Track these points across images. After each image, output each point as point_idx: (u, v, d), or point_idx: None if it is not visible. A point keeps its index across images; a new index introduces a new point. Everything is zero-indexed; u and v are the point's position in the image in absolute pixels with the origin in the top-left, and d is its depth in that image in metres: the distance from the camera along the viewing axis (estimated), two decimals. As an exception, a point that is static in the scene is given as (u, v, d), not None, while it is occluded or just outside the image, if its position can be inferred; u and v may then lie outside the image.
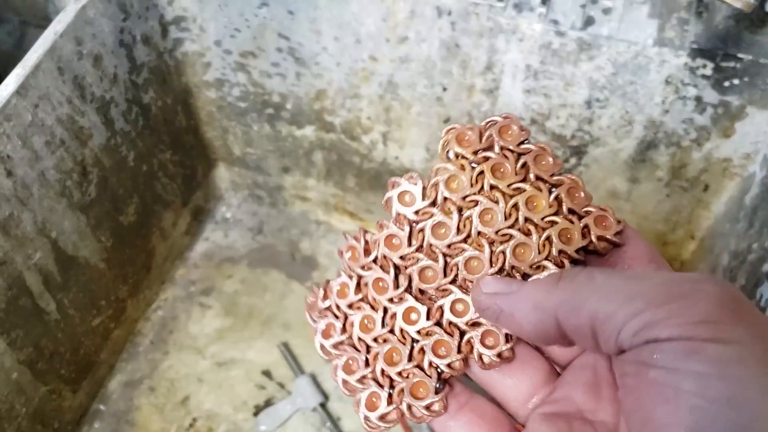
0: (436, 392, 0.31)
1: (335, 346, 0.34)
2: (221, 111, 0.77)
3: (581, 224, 0.30)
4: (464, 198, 0.32)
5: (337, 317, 0.34)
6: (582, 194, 0.31)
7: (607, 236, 0.30)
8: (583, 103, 0.58)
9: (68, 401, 0.68)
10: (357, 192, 0.82)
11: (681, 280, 0.23)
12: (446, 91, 0.62)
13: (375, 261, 0.33)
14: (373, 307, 0.33)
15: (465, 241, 0.31)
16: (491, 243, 0.31)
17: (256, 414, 0.73)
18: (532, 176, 0.31)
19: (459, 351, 0.31)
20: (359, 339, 0.33)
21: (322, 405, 0.72)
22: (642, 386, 0.22)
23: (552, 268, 0.30)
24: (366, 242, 0.35)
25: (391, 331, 0.32)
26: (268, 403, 0.73)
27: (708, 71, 0.51)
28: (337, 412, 0.73)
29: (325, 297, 0.35)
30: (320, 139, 0.75)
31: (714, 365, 0.21)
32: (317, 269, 0.84)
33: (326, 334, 0.35)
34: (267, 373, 0.76)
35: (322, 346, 0.35)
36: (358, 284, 0.33)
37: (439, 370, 0.32)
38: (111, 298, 0.72)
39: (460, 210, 0.31)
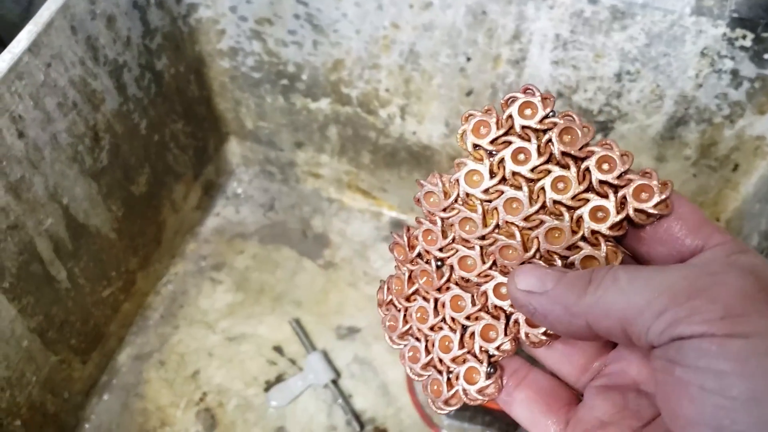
0: (488, 376, 0.31)
1: (400, 336, 0.35)
2: (234, 82, 0.75)
3: (620, 195, 0.28)
4: (486, 191, 0.30)
5: (398, 310, 0.35)
6: (616, 162, 0.28)
7: (647, 209, 0.28)
8: (612, 75, 0.56)
9: (78, 372, 0.67)
10: (371, 170, 0.80)
11: (704, 272, 0.23)
12: (470, 61, 0.60)
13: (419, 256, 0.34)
14: (425, 299, 0.33)
15: (496, 230, 0.30)
16: (522, 230, 0.29)
17: (266, 390, 0.71)
18: (557, 153, 0.29)
19: (506, 333, 0.31)
20: (417, 329, 0.34)
21: (334, 382, 0.71)
22: (669, 383, 0.22)
23: (587, 248, 0.28)
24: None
25: (444, 320, 0.33)
26: (279, 379, 0.72)
27: (747, 42, 0.49)
28: (348, 389, 0.72)
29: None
30: (335, 112, 0.73)
31: (735, 362, 0.20)
32: (329, 247, 0.83)
33: (392, 328, 0.36)
34: (278, 349, 0.75)
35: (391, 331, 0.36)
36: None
37: (489, 353, 0.31)
38: (121, 270, 0.70)
39: (483, 203, 0.30)
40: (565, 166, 0.29)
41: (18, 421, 0.58)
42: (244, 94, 0.76)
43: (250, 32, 0.68)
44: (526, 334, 0.30)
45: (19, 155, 0.50)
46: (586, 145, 0.29)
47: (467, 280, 0.32)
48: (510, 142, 0.30)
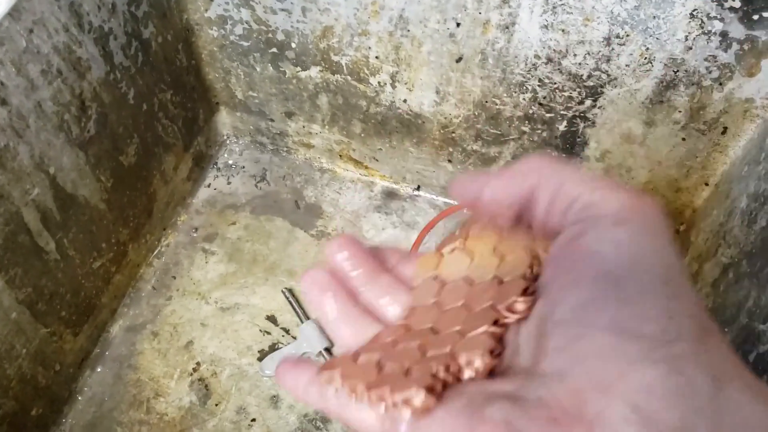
0: None
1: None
2: (223, 51, 0.74)
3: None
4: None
5: None
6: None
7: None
8: (602, 39, 0.55)
9: (69, 344, 0.67)
10: (363, 139, 0.80)
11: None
12: (460, 26, 0.60)
13: None
14: None
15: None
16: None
17: (260, 359, 0.72)
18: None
19: None
20: None
21: (328, 350, 0.72)
22: (569, 254, 0.25)
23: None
24: None
25: None
26: (273, 349, 0.73)
27: (736, 3, 0.49)
28: (341, 358, 0.72)
29: None
30: (326, 81, 0.73)
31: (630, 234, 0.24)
32: (321, 217, 0.83)
33: None
34: (272, 319, 0.75)
35: None
36: None
37: None
38: (112, 241, 0.70)
39: None
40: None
41: (9, 393, 0.59)
42: (234, 63, 0.76)
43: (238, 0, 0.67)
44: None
45: (2, 123, 0.49)
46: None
47: None
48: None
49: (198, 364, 0.72)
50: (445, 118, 0.71)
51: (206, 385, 0.70)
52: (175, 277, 0.78)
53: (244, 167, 0.88)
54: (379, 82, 0.70)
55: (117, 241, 0.71)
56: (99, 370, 0.72)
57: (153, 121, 0.72)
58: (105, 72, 0.60)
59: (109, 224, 0.69)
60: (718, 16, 0.50)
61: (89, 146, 0.62)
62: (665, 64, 0.55)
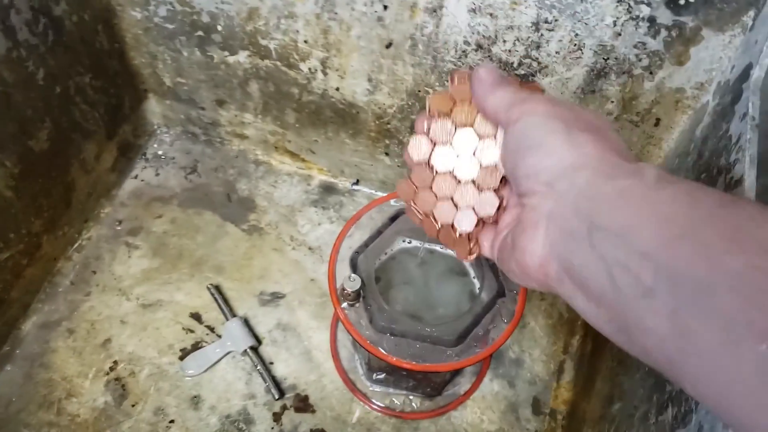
0: None
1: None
2: (148, 34, 0.71)
3: None
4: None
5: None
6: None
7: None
8: (530, 24, 0.54)
9: (-28, 341, 0.63)
10: (297, 129, 0.77)
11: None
12: (387, 9, 0.57)
13: None
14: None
15: None
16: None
17: (182, 358, 0.68)
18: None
19: None
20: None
21: (254, 348, 0.69)
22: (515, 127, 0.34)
23: None
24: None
25: None
26: (196, 347, 0.69)
27: (662, -14, 0.48)
28: (270, 356, 0.69)
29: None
30: (255, 66, 0.70)
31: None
32: (254, 211, 0.80)
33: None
34: (196, 316, 0.71)
35: None
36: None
37: None
38: (22, 232, 0.66)
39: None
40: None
41: None
42: (160, 47, 0.72)
43: (159, -21, 0.64)
44: None
45: None
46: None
47: None
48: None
49: (115, 363, 0.68)
50: (380, 108, 0.69)
51: (123, 385, 0.67)
52: (95, 272, 0.74)
53: (174, 158, 0.84)
54: (309, 69, 0.67)
55: (28, 231, 0.67)
56: (8, 368, 0.67)
57: (69, 105, 0.68)
58: (6, 48, 0.56)
59: (18, 213, 0.65)
60: (645, 1, 0.49)
61: (-8, 128, 0.57)
62: (595, 51, 0.54)
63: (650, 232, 0.25)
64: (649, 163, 0.31)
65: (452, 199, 0.40)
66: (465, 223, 0.39)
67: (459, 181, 0.40)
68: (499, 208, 0.38)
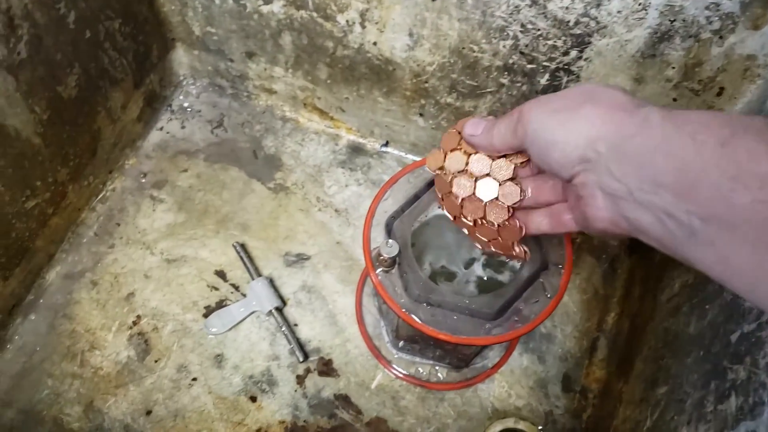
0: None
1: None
2: (180, -22, 0.68)
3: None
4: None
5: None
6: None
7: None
8: (592, -20, 0.50)
9: (-5, 289, 0.62)
10: (329, 86, 0.74)
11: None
12: (437, -41, 0.54)
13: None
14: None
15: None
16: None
17: (206, 315, 0.67)
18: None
19: None
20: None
21: (279, 309, 0.67)
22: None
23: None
24: None
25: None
26: (220, 305, 0.68)
27: (744, -58, 0.44)
28: (294, 317, 0.68)
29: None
30: (289, 17, 0.66)
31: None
32: (281, 169, 0.77)
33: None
34: (220, 274, 0.70)
35: None
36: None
37: None
38: (48, 180, 0.64)
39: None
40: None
41: None
42: (191, -7, 0.69)
43: None
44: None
45: None
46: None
47: None
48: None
49: (138, 317, 0.67)
50: (418, 65, 0.65)
51: (146, 340, 0.65)
52: (119, 224, 0.72)
53: (200, 111, 0.81)
54: (347, 21, 0.64)
55: (55, 180, 0.65)
56: (32, 318, 0.66)
57: (98, 51, 0.65)
58: (36, -14, 0.53)
59: (45, 161, 0.63)
60: (723, -41, 0.45)
61: (20, 70, 0.55)
62: (661, 12, 0.50)
63: (673, 183, 0.29)
64: (649, 103, 0.33)
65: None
66: (494, 215, 0.44)
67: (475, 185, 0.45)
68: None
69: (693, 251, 0.30)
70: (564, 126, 0.35)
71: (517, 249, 0.46)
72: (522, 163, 0.42)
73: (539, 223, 0.43)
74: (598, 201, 0.34)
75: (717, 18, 0.49)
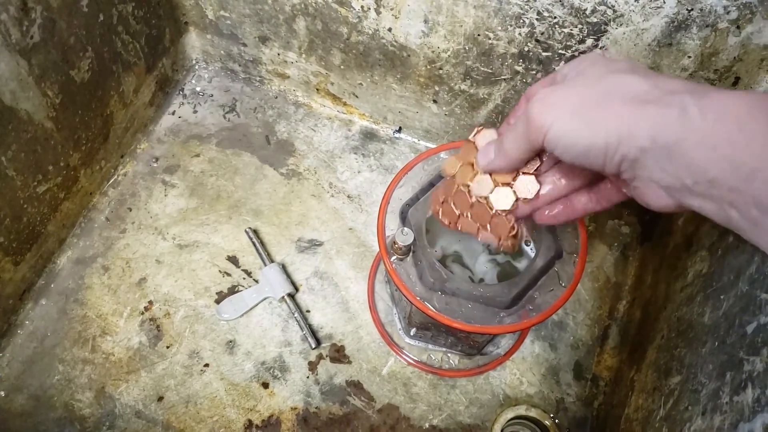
0: None
1: None
2: (193, -38, 0.67)
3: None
4: None
5: None
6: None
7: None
8: (612, -33, 0.49)
9: (9, 273, 0.62)
10: (342, 72, 0.74)
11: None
12: (454, -56, 0.53)
13: None
14: None
15: None
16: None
17: (218, 301, 0.67)
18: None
19: None
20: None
21: (291, 296, 0.67)
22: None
23: None
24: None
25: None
26: (232, 291, 0.68)
27: (769, -71, 0.43)
28: (306, 304, 0.68)
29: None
30: (304, 2, 0.66)
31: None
32: (293, 155, 0.77)
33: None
34: (233, 260, 0.70)
35: None
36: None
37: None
38: (60, 164, 0.64)
39: None
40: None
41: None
42: (204, -23, 0.69)
43: None
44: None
45: None
46: None
47: None
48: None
49: (150, 303, 0.67)
50: (433, 51, 0.65)
51: (158, 326, 0.66)
52: (131, 209, 0.72)
53: (212, 96, 0.81)
54: (362, 7, 0.63)
55: (66, 164, 0.65)
56: (43, 303, 0.66)
57: (111, 34, 0.65)
58: (50, -31, 0.53)
59: (57, 145, 0.63)
60: (746, -54, 0.45)
61: (33, 54, 0.55)
62: (679, 1, 0.50)
63: (727, 178, 0.29)
64: (669, 85, 0.32)
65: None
66: (502, 202, 0.43)
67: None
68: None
69: (758, 238, 0.30)
70: (591, 127, 0.33)
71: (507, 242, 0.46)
72: (537, 168, 0.41)
73: (585, 203, 0.41)
74: (655, 190, 0.33)
75: (735, 8, 0.48)
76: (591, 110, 0.33)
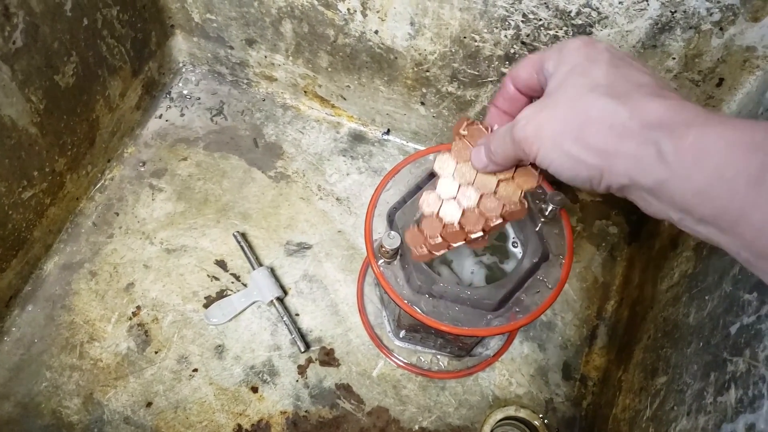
0: None
1: None
2: (178, -35, 0.67)
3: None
4: None
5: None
6: None
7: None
8: (595, -31, 0.50)
9: (-5, 280, 0.62)
10: (330, 74, 0.74)
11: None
12: (438, -53, 0.53)
13: None
14: None
15: None
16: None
17: (206, 306, 0.67)
18: None
19: None
20: None
21: (280, 299, 0.67)
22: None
23: None
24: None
25: None
26: (221, 295, 0.68)
27: (749, -68, 0.44)
28: (295, 307, 0.68)
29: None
30: (290, 5, 0.66)
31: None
32: (282, 158, 0.77)
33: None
34: (221, 264, 0.70)
35: None
36: None
37: None
38: (45, 170, 0.64)
39: None
40: None
41: None
42: (189, -19, 0.68)
43: None
44: None
45: None
46: None
47: None
48: None
49: (138, 308, 0.67)
50: (420, 54, 0.65)
51: (146, 331, 0.65)
52: (118, 214, 0.72)
53: (199, 99, 0.81)
54: (348, 9, 0.63)
55: (52, 170, 0.65)
56: (29, 309, 0.66)
57: (96, 39, 0.64)
58: (33, -26, 0.53)
59: (42, 151, 0.62)
60: (728, -51, 0.45)
61: (15, 59, 0.55)
62: (662, 3, 0.50)
63: (713, 220, 0.28)
64: (652, 121, 0.30)
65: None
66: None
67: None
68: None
69: (757, 272, 0.29)
70: (573, 161, 0.33)
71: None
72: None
73: None
74: (653, 209, 0.32)
75: (717, 10, 0.49)
76: (572, 143, 0.32)
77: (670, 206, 0.30)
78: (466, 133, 0.45)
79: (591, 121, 0.32)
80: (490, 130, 0.44)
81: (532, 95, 0.40)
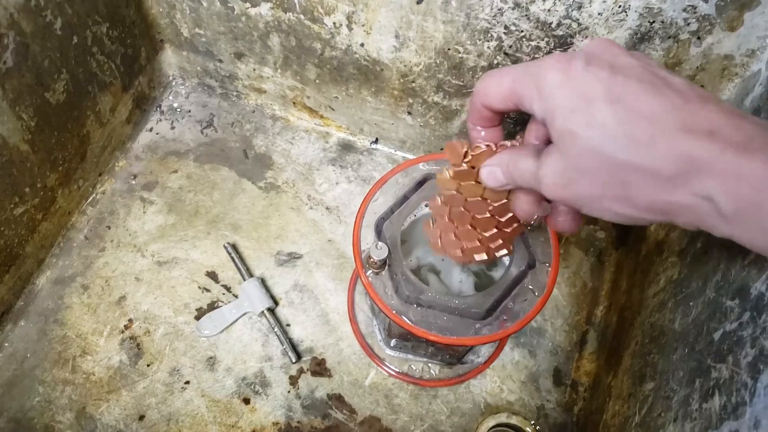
0: None
1: None
2: (166, -19, 0.68)
3: None
4: None
5: None
6: None
7: None
8: (575, -18, 0.50)
9: (-13, 296, 0.62)
10: (317, 85, 0.74)
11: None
12: (421, -38, 0.54)
13: None
14: None
15: None
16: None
17: (198, 318, 0.67)
18: None
19: None
20: None
21: (271, 310, 0.67)
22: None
23: None
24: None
25: None
26: (212, 307, 0.68)
27: (723, -55, 0.44)
28: (287, 317, 0.68)
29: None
30: (277, 19, 0.67)
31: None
32: (271, 168, 0.78)
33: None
34: (212, 275, 0.70)
35: None
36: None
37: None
38: (37, 186, 0.64)
39: None
40: None
41: None
42: (177, -4, 0.69)
43: None
44: None
45: None
46: None
47: None
48: None
49: (130, 321, 0.67)
50: (405, 65, 0.66)
51: (138, 344, 0.66)
52: (109, 227, 0.72)
53: (189, 111, 0.81)
54: (334, 23, 0.64)
55: (44, 186, 0.65)
56: (22, 324, 0.66)
57: (86, 56, 0.65)
58: (21, -6, 0.53)
59: (34, 167, 0.63)
60: (703, -39, 0.46)
61: (6, 79, 0.55)
62: (641, 14, 0.51)
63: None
64: (696, 163, 0.28)
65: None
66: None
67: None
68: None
69: None
70: (606, 215, 0.33)
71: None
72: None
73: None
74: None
75: (694, 20, 0.49)
76: (619, 206, 0.31)
77: (751, 247, 0.30)
78: (470, 158, 0.42)
79: (628, 183, 0.30)
80: (496, 146, 0.41)
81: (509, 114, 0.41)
